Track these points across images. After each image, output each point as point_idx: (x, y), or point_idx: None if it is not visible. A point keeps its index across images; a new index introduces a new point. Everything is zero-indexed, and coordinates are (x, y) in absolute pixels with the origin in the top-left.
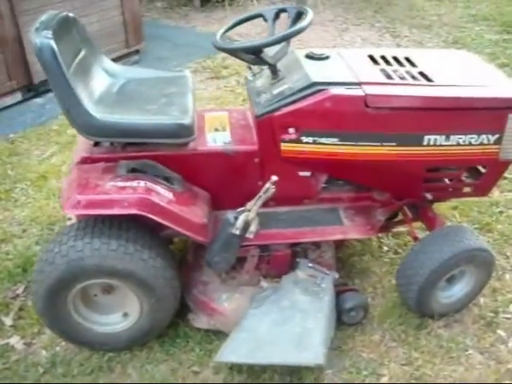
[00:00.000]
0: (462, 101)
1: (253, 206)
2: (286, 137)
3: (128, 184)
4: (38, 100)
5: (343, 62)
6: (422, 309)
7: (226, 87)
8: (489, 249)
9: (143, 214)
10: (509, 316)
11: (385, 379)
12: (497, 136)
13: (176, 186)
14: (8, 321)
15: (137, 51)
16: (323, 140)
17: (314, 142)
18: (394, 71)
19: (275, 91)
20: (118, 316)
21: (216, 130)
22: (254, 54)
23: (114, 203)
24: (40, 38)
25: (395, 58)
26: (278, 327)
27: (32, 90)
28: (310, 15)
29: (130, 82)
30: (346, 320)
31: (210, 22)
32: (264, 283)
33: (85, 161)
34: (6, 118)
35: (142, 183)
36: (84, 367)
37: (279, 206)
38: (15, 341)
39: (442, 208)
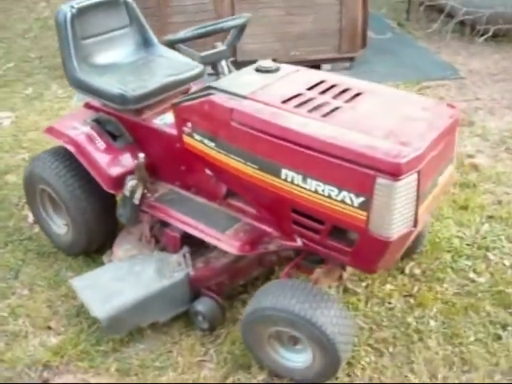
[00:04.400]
0: (319, 143)
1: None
2: (185, 129)
3: (80, 127)
4: None
5: (276, 77)
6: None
7: None
8: (318, 324)
9: (69, 148)
10: None
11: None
12: (362, 199)
13: (118, 143)
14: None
15: (350, 58)
16: (206, 141)
17: (201, 142)
18: (307, 99)
19: (195, 88)
20: (63, 223)
21: None
22: (174, 49)
23: (61, 136)
24: (63, 7)
25: (344, 90)
26: (113, 281)
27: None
28: (237, 20)
29: (154, 60)
30: (194, 321)
31: (458, 54)
32: (155, 252)
33: (85, 105)
34: None
35: (87, 129)
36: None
37: (197, 195)
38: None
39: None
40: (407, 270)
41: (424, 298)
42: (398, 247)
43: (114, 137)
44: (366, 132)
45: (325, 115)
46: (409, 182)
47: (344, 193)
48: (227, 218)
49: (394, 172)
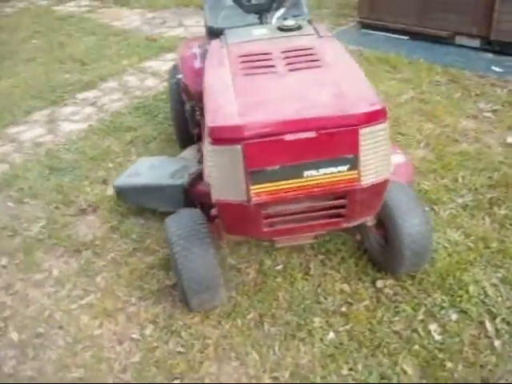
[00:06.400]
0: (206, 94)
1: None
2: None
3: (193, 48)
4: (489, 55)
5: (279, 35)
6: None
7: None
8: (174, 251)
9: (178, 62)
10: None
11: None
12: None
13: None
14: None
15: None
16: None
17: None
18: (263, 59)
19: None
20: None
21: None
22: None
23: (180, 52)
24: None
25: (313, 60)
26: (148, 167)
27: (489, 43)
28: None
29: None
30: None
31: None
32: (190, 159)
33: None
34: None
35: (196, 50)
36: None
37: None
38: None
39: None
40: (379, 284)
41: (357, 315)
42: (236, 215)
43: None
44: (244, 96)
45: (248, 74)
46: (227, 150)
47: None
48: None
49: (208, 135)
